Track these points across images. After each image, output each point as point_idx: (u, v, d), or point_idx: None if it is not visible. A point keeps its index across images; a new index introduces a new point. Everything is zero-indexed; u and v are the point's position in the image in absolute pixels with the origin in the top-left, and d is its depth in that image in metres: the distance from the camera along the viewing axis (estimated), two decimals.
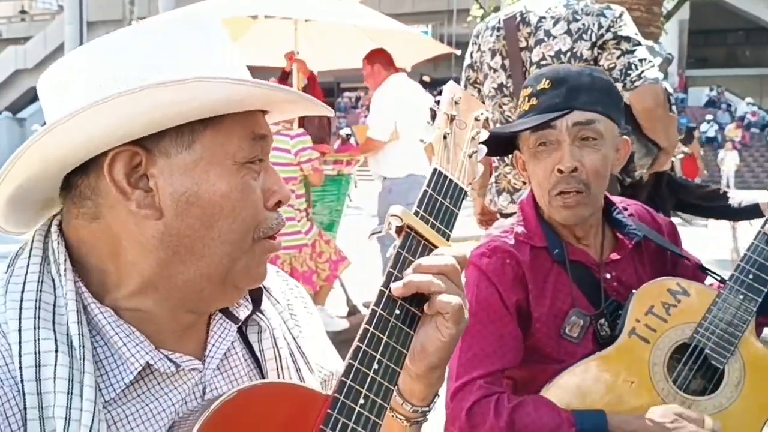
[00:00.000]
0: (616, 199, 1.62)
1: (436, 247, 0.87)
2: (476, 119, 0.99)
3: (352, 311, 5.27)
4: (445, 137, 0.94)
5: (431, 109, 0.98)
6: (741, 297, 1.43)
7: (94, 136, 0.74)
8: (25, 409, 0.72)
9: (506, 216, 2.66)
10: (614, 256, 1.54)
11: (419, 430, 0.94)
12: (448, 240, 0.89)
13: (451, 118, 0.97)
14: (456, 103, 0.98)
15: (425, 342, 0.85)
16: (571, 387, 1.40)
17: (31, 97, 37.50)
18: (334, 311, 5.11)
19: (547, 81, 1.46)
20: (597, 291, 1.49)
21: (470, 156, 0.95)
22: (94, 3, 34.51)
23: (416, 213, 0.88)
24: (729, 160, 23.10)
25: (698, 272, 1.61)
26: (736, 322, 1.42)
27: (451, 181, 0.92)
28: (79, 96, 0.76)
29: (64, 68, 0.80)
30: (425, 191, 0.90)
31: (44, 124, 0.77)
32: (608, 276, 1.52)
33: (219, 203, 0.80)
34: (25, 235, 0.86)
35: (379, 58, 4.95)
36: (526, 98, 1.50)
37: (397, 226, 0.87)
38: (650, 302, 1.46)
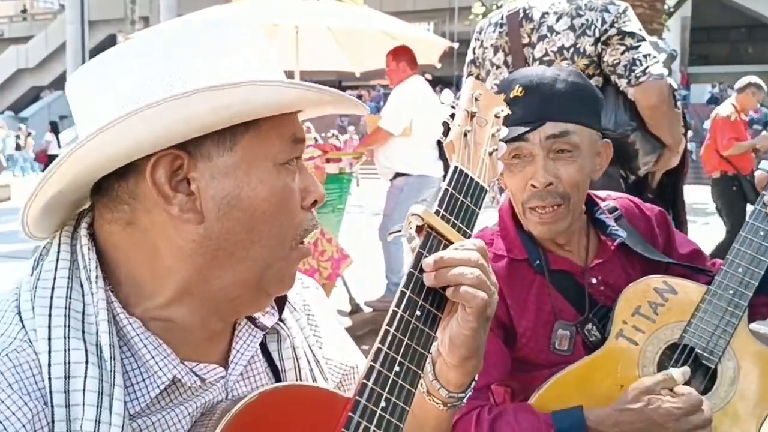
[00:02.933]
0: (602, 194, 1.58)
1: None
2: (496, 116, 0.98)
3: (355, 309, 5.26)
4: (465, 135, 0.93)
5: (452, 106, 0.96)
6: (731, 292, 1.37)
7: (143, 139, 0.73)
8: (53, 422, 0.71)
9: None
10: (598, 259, 1.49)
11: (454, 412, 0.95)
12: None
13: (472, 115, 0.95)
14: (476, 99, 0.96)
15: (452, 335, 0.85)
16: (557, 395, 1.36)
17: (33, 96, 37.58)
18: (337, 309, 5.10)
19: (520, 88, 1.39)
20: (583, 298, 1.45)
21: (491, 154, 0.94)
22: (96, 2, 34.51)
23: (437, 212, 0.87)
24: None
25: (689, 268, 1.53)
26: (726, 319, 1.36)
27: (472, 179, 0.91)
28: (119, 99, 0.75)
29: (94, 73, 0.78)
30: (446, 190, 0.89)
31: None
32: (594, 281, 1.47)
33: (261, 207, 0.79)
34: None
35: (405, 57, 4.99)
36: None
37: (417, 226, 0.86)
38: (637, 303, 1.41)
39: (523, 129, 1.36)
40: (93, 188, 0.81)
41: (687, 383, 1.36)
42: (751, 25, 34.47)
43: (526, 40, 2.47)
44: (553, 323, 1.43)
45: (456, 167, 0.90)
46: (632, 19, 2.33)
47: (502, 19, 2.56)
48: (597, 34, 2.31)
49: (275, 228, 0.80)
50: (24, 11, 43.64)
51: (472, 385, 0.93)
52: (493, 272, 1.41)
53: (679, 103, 2.35)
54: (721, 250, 6.17)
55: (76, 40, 32.76)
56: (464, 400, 0.92)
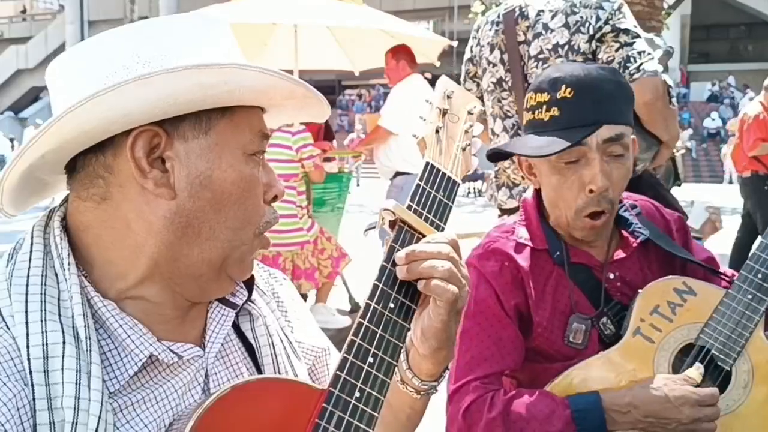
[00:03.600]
0: (623, 194, 1.58)
1: None
2: (469, 113, 1.01)
3: (354, 308, 5.28)
4: (437, 131, 0.96)
5: (426, 101, 1.00)
6: (749, 297, 1.38)
7: (131, 112, 0.77)
8: (33, 400, 0.73)
9: (506, 211, 2.66)
10: (619, 254, 1.49)
11: (428, 400, 0.97)
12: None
13: (444, 112, 0.99)
14: (448, 97, 1.00)
15: (423, 327, 0.87)
16: (571, 389, 1.37)
17: (33, 96, 37.57)
18: (336, 308, 5.11)
19: (569, 89, 1.37)
20: (599, 292, 1.45)
21: (464, 149, 0.97)
22: (95, 2, 34.54)
23: (409, 207, 0.90)
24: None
25: (708, 269, 1.54)
26: (744, 323, 1.37)
27: (443, 174, 0.94)
28: (104, 74, 0.79)
29: (78, 55, 0.83)
30: (418, 185, 0.92)
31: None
32: (611, 276, 1.48)
33: (229, 189, 0.83)
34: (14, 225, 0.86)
35: (405, 55, 5.01)
36: (545, 105, 1.41)
37: (390, 221, 0.89)
38: (656, 301, 1.41)
39: (582, 133, 1.35)
40: (69, 168, 0.84)
41: (700, 382, 1.37)
42: (751, 23, 34.45)
43: (521, 38, 2.47)
44: (569, 315, 1.43)
45: (427, 163, 0.93)
46: (627, 15, 2.33)
47: (498, 17, 2.56)
48: (591, 32, 2.30)
49: (241, 212, 0.85)
50: (24, 11, 43.65)
51: (445, 374, 0.95)
52: (515, 260, 1.46)
53: (674, 100, 2.35)
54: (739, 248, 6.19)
55: (76, 40, 32.77)
56: (437, 388, 0.95)
